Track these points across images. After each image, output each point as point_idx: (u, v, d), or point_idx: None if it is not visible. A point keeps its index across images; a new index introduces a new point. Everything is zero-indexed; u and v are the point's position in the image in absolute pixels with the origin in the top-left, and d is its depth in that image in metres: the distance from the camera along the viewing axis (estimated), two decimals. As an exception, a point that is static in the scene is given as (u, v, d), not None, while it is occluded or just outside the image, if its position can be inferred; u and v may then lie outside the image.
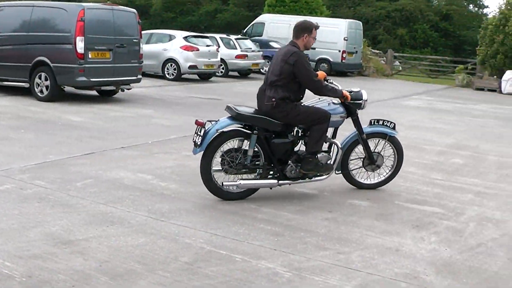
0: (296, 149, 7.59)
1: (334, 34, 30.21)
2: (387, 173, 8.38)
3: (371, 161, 8.12)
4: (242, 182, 7.23)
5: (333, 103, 7.76)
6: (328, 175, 7.75)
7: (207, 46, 23.63)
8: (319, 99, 7.84)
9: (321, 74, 7.83)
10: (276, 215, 6.82)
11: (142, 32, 17.57)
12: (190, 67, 22.44)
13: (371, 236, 6.35)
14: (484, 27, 30.93)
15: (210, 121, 7.26)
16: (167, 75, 22.73)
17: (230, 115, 7.29)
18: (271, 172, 7.46)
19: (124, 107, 14.65)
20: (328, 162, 7.67)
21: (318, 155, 7.50)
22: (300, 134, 7.59)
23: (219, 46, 24.96)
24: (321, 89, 7.48)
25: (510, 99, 25.76)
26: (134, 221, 6.28)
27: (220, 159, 7.28)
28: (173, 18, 54.50)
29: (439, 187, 8.72)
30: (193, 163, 8.97)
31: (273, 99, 7.18)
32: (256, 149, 7.31)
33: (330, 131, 7.77)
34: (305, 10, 37.16)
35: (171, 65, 22.64)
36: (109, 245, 5.56)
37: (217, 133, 7.17)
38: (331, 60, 30.38)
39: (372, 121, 8.32)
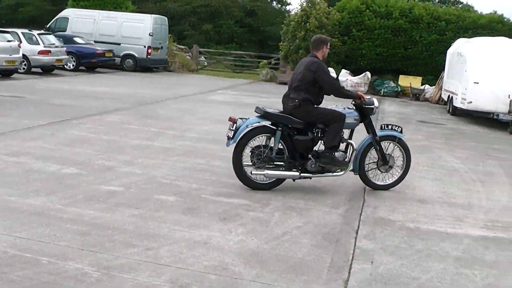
0: (315, 148, 8.59)
1: (139, 29, 30.03)
2: (398, 174, 9.19)
3: (384, 162, 8.99)
4: (269, 172, 8.27)
5: (348, 108, 8.82)
6: (344, 172, 8.67)
7: (8, 41, 22.63)
8: (336, 105, 8.87)
9: None
10: (82, 214, 6.68)
11: None
12: (-11, 63, 21.43)
13: (179, 230, 6.39)
14: (287, 23, 31.76)
15: (241, 118, 8.40)
16: (-35, 73, 21.60)
17: (258, 114, 8.46)
18: (293, 166, 8.42)
19: None
20: (345, 160, 8.63)
21: (336, 153, 8.51)
22: (319, 135, 8.55)
23: (20, 42, 23.94)
24: (340, 90, 8.72)
25: (311, 92, 26.75)
26: None
27: (250, 153, 8.38)
28: (-29, 12, 51.92)
29: (245, 179, 8.90)
30: (-6, 163, 8.65)
31: (296, 100, 8.34)
32: (281, 146, 8.44)
33: (347, 132, 8.80)
34: (110, 5, 36.59)
35: (-31, 62, 21.52)
36: None
37: (248, 129, 8.36)
38: (136, 55, 30.12)
39: (383, 125, 9.23)
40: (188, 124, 13.65)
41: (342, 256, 6.09)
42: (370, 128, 8.93)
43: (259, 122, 8.45)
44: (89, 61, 27.95)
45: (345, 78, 29.33)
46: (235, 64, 38.39)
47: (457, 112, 21.85)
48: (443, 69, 26.08)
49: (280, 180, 8.54)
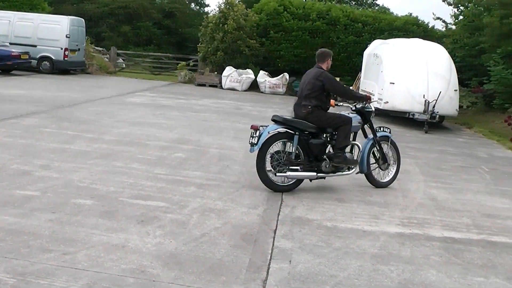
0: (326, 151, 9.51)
1: (55, 31, 29.37)
2: (393, 171, 10.21)
3: (385, 160, 10.02)
4: (290, 173, 8.96)
5: (351, 113, 9.78)
6: (354, 170, 9.62)
7: None
8: (340, 112, 9.78)
9: (332, 102, 9.75)
10: (-3, 220, 6.55)
11: None
12: None
13: (96, 234, 6.32)
14: (205, 25, 31.69)
15: (262, 126, 8.95)
16: None
17: (276, 121, 9.18)
18: (310, 168, 9.18)
19: None
20: (354, 159, 9.66)
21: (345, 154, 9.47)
22: (328, 139, 9.45)
23: None
24: (350, 92, 9.96)
25: (230, 94, 26.81)
26: None
27: (270, 160, 9.01)
28: None
29: (163, 181, 8.89)
30: None
31: (309, 107, 9.24)
32: (297, 152, 9.11)
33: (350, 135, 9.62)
34: (26, 6, 35.89)
35: None
36: None
37: (269, 135, 8.97)
38: (53, 58, 29.42)
39: (376, 128, 10.09)
40: (106, 126, 13.51)
41: (261, 256, 6.14)
42: (372, 130, 9.98)
43: (278, 129, 9.11)
44: (4, 64, 27.18)
45: (264, 79, 29.56)
46: (154, 66, 38.08)
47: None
48: (360, 70, 26.52)
49: (298, 182, 9.24)
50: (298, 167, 9.04)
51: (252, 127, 8.94)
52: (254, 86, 29.88)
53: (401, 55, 20.57)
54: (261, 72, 30.13)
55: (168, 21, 57.68)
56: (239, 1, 32.81)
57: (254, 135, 8.87)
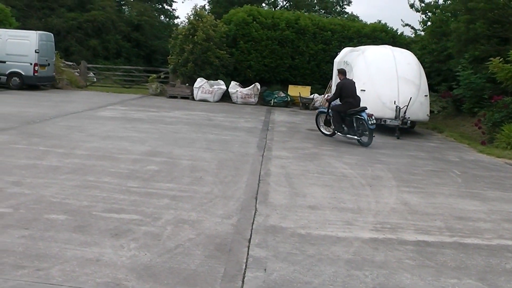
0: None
1: (24, 46, 29.08)
2: None
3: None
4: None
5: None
6: None
7: None
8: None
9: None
10: (-31, 238, 6.49)
11: None
12: None
13: (70, 249, 6.28)
14: (175, 37, 31.62)
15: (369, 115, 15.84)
16: None
17: (365, 111, 16.10)
18: None
19: None
20: None
21: None
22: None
23: None
24: None
25: (201, 105, 26.77)
26: None
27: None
28: None
29: (135, 194, 8.86)
30: None
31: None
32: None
33: None
34: (-8, 22, 35.63)
35: None
36: None
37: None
38: (23, 73, 29.10)
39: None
40: (77, 141, 13.42)
41: (235, 265, 6.15)
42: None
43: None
44: (-26, 81, 26.98)
45: (235, 90, 29.58)
46: (124, 79, 37.95)
47: (345, 119, 22.37)
48: (331, 78, 26.65)
49: None
50: None
51: (368, 115, 15.75)
52: (226, 97, 29.92)
53: (371, 62, 20.71)
54: (233, 82, 30.16)
55: (137, 33, 57.60)
56: (208, 12, 32.84)
57: (372, 119, 15.71)
